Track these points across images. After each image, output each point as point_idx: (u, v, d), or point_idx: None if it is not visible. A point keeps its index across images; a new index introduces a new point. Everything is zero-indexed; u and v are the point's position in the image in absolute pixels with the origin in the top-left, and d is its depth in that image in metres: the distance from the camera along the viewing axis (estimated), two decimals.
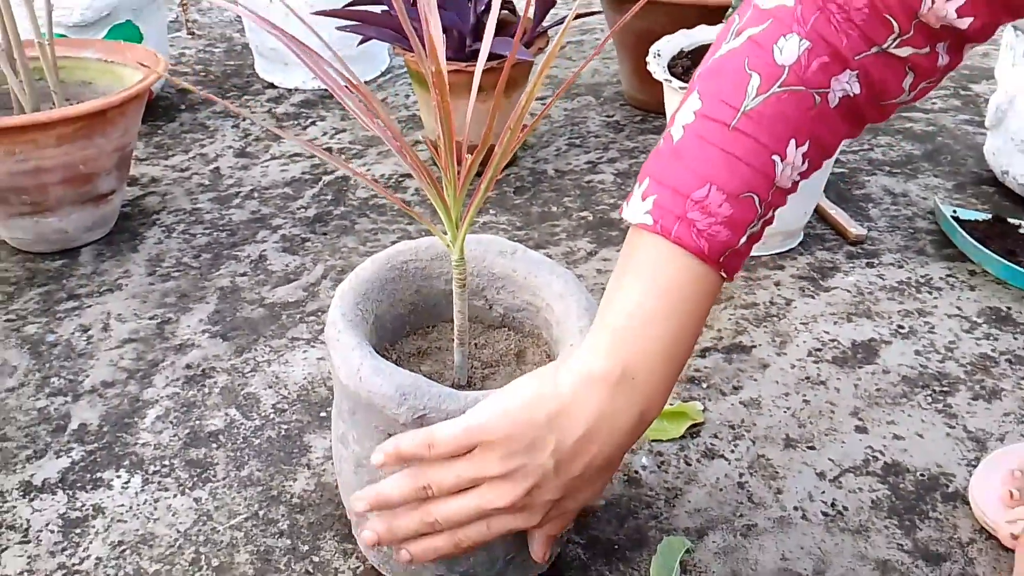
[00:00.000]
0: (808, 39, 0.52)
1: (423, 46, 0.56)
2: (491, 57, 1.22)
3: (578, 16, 1.33)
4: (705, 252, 0.53)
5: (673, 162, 0.54)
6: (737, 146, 0.52)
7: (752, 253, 1.13)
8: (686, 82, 1.06)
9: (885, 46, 0.53)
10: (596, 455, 0.55)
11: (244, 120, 1.54)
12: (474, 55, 1.25)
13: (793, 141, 0.53)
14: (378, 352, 0.67)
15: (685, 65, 1.17)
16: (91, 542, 0.74)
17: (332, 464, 0.79)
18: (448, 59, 1.23)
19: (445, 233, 0.63)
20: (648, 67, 1.12)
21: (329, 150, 1.42)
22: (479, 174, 0.61)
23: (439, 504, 0.58)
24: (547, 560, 0.64)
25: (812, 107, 0.53)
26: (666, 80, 1.09)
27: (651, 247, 0.54)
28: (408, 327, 0.73)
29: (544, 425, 0.54)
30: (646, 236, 0.54)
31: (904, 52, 0.53)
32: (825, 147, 0.56)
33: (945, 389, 0.90)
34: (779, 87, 0.52)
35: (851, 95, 0.54)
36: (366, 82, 1.69)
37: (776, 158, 0.53)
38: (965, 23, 0.51)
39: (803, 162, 0.54)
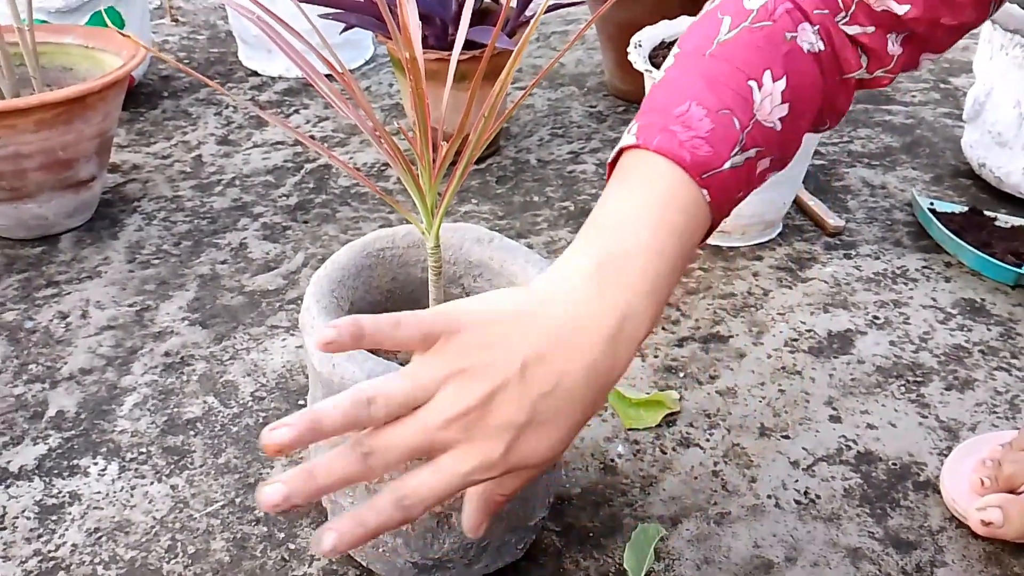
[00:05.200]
0: None
1: (401, 32, 0.56)
2: (476, 46, 1.23)
3: (557, 6, 1.33)
4: (687, 161, 0.51)
5: (656, 93, 0.55)
6: (714, 69, 0.54)
7: (731, 244, 1.15)
8: None
9: (837, 19, 0.57)
10: (568, 368, 0.48)
11: (227, 108, 1.53)
12: None
13: (769, 72, 0.54)
14: None
15: (666, 55, 1.17)
16: (67, 529, 0.74)
17: (309, 451, 0.79)
18: (430, 47, 1.23)
19: (421, 221, 0.63)
20: (629, 57, 1.12)
21: (311, 139, 1.41)
22: (455, 163, 0.61)
23: (375, 433, 0.48)
24: (479, 534, 0.54)
25: (783, 42, 0.55)
26: (647, 70, 1.09)
27: (633, 160, 0.53)
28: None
29: (511, 316, 0.49)
30: (630, 154, 0.53)
31: (852, 30, 0.57)
32: (803, 92, 0.56)
33: (919, 379, 0.91)
34: (749, 23, 0.55)
35: (817, 51, 0.56)
36: (350, 71, 1.69)
37: (752, 84, 0.54)
38: (903, 10, 0.55)
39: (781, 100, 0.54)
